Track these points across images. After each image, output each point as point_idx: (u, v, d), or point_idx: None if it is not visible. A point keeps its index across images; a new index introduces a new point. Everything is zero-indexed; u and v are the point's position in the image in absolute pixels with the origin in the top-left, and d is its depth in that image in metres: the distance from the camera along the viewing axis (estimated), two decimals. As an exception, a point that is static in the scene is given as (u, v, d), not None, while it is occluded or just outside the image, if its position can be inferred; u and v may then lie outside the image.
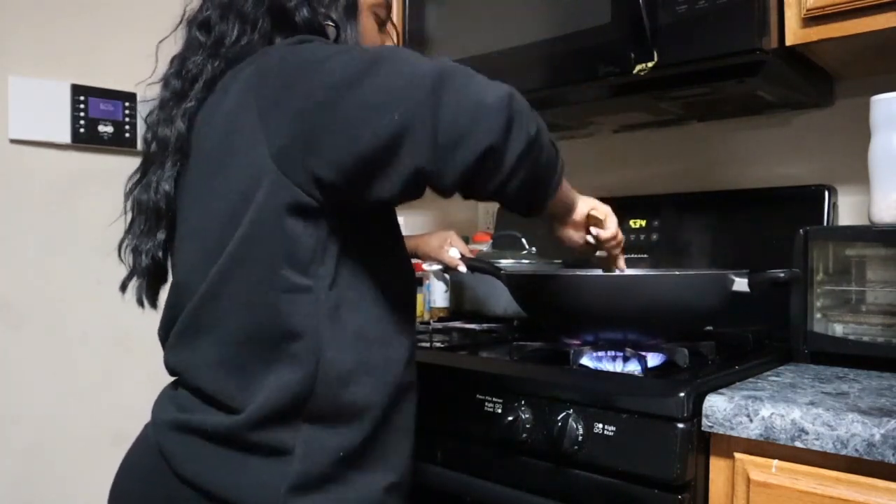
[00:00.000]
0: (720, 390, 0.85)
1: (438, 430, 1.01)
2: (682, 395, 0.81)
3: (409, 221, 1.93)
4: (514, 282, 1.10)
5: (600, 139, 1.63)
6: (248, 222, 0.69)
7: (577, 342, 1.03)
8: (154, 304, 0.86)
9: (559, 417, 0.88)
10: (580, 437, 0.86)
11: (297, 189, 0.67)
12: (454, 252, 1.26)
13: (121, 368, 1.76)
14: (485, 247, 1.55)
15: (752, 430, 0.78)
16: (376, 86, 0.63)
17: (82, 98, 1.71)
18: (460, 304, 1.45)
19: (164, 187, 0.78)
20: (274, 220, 0.68)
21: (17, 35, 1.62)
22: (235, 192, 0.70)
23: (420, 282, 1.66)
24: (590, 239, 0.94)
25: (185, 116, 0.77)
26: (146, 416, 0.79)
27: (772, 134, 1.41)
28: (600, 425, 0.85)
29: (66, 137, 1.70)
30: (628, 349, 0.96)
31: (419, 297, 1.66)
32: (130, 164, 0.86)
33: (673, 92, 1.21)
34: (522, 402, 0.93)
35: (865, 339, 1.03)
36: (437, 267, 1.34)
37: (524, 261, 1.40)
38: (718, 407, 0.81)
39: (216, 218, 0.72)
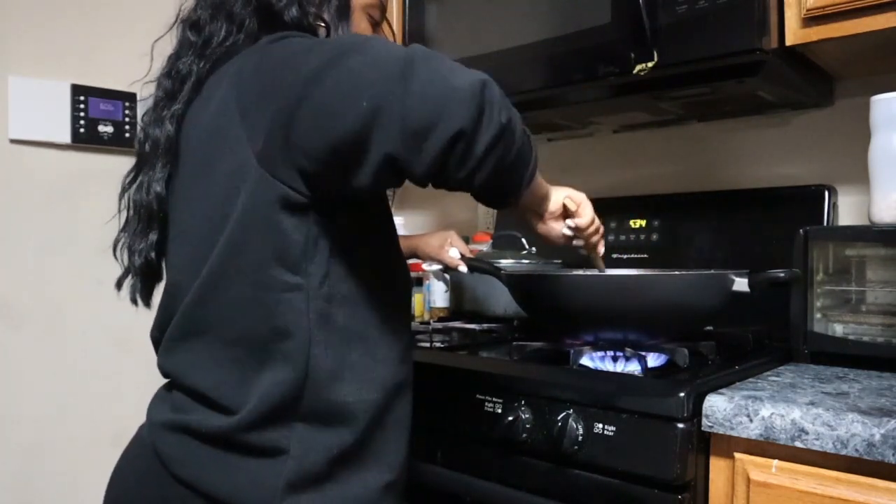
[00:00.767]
0: (720, 390, 0.85)
1: (438, 430, 1.02)
2: (682, 395, 0.81)
3: (409, 221, 1.93)
4: (514, 282, 1.11)
5: (600, 139, 1.63)
6: (236, 223, 0.69)
7: (577, 342, 1.03)
8: (148, 304, 0.86)
9: (559, 417, 0.88)
10: (580, 437, 0.86)
11: (283, 186, 0.67)
12: (454, 252, 1.26)
13: (120, 368, 1.76)
14: (485, 247, 1.55)
15: (752, 430, 0.78)
16: (345, 75, 0.62)
17: (82, 98, 1.71)
18: (460, 304, 1.45)
19: (156, 188, 0.78)
20: (262, 219, 0.68)
21: (17, 35, 1.62)
22: (223, 194, 0.70)
23: (420, 282, 1.66)
24: (567, 231, 0.92)
25: (174, 118, 0.77)
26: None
27: (772, 134, 1.41)
28: (600, 425, 0.85)
29: (66, 137, 1.69)
30: (628, 349, 0.96)
31: (419, 297, 1.66)
32: (130, 164, 0.86)
33: (673, 92, 1.21)
34: (522, 402, 0.93)
35: (865, 339, 1.03)
36: (437, 267, 1.34)
37: (524, 261, 1.40)
38: (718, 407, 0.81)
39: (205, 219, 0.72)
